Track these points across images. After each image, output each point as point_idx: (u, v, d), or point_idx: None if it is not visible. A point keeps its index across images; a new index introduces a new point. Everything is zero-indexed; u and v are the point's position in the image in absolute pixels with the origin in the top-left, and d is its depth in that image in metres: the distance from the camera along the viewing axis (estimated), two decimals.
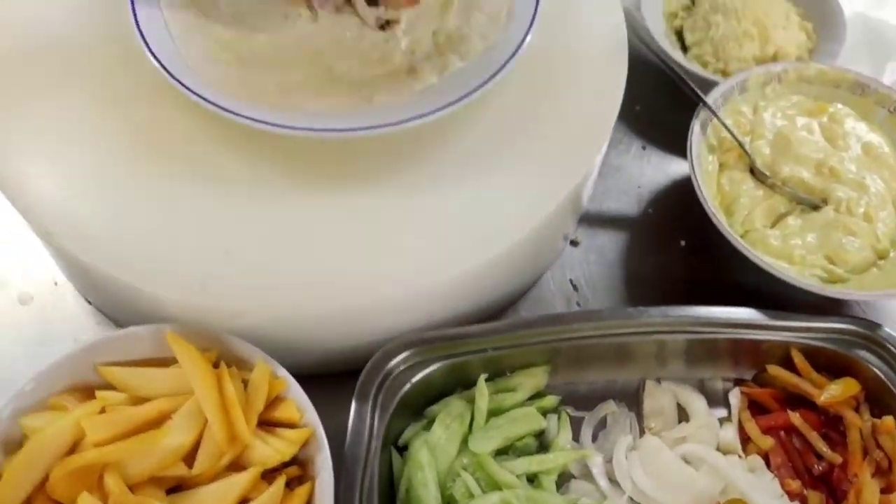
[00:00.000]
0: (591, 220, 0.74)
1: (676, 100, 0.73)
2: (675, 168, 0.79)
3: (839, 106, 0.74)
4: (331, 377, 0.59)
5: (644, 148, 0.80)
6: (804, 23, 0.84)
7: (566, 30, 0.70)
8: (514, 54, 0.62)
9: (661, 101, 0.80)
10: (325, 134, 0.58)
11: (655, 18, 0.83)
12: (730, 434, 0.63)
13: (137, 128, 0.63)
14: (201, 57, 0.62)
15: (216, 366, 0.56)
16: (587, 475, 0.61)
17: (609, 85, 0.69)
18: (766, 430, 0.62)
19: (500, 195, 0.61)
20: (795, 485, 0.59)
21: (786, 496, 0.59)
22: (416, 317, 0.60)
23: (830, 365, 0.63)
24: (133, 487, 0.51)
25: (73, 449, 0.53)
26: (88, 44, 0.67)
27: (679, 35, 0.84)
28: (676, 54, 0.80)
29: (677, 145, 0.77)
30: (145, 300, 0.58)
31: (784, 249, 0.67)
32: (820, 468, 0.61)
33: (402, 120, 0.58)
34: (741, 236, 0.67)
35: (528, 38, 0.64)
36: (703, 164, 0.70)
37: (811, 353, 0.64)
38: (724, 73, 0.79)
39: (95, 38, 0.67)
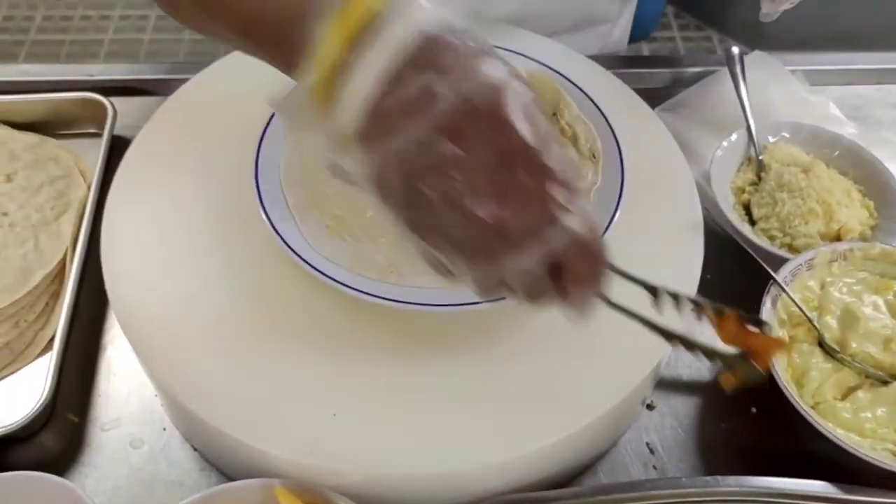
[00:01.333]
0: (667, 384, 0.78)
1: (745, 271, 0.78)
2: None
3: None
4: None
5: None
6: (866, 200, 0.89)
7: (645, 208, 0.76)
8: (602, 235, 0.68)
9: (731, 269, 0.84)
10: (427, 308, 0.64)
11: (724, 192, 0.88)
12: None
13: (257, 293, 0.70)
14: (316, 232, 0.69)
15: None
16: None
17: (687, 260, 0.74)
18: None
19: (589, 366, 0.66)
20: None
21: None
22: (504, 482, 0.64)
23: None
24: None
25: None
26: (216, 212, 0.75)
27: (746, 209, 0.89)
28: (745, 228, 0.85)
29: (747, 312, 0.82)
30: (252, 454, 0.63)
31: (855, 422, 0.70)
32: None
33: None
34: (812, 408, 0.70)
35: (616, 219, 0.70)
36: None
37: None
38: (791, 248, 0.84)
39: (222, 206, 0.75)
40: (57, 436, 0.73)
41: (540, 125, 0.40)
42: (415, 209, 0.40)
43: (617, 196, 0.72)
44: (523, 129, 0.39)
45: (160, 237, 0.74)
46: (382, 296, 0.63)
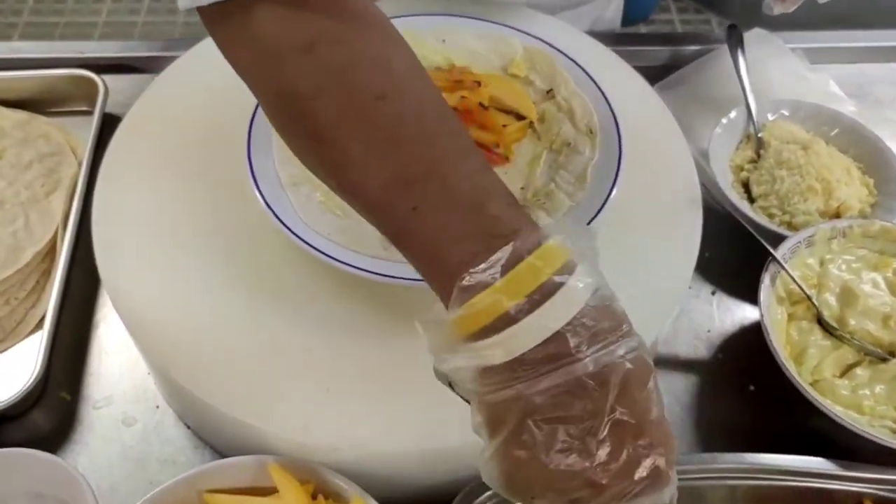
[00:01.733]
0: (664, 362, 0.77)
1: (744, 247, 0.77)
2: (743, 314, 0.82)
3: None
4: None
5: (713, 293, 0.84)
6: (865, 178, 0.88)
7: (643, 185, 0.75)
8: (598, 211, 0.68)
9: (729, 248, 0.84)
10: (417, 283, 0.63)
11: (723, 170, 0.88)
12: None
13: (251, 270, 0.69)
14: (309, 206, 0.68)
15: (314, 497, 0.60)
16: None
17: (685, 238, 0.73)
18: None
19: None
20: None
21: None
22: None
23: None
24: None
25: None
26: (208, 188, 0.74)
27: (746, 186, 0.88)
28: (744, 205, 0.84)
29: (745, 291, 0.82)
30: (246, 431, 0.62)
31: (854, 400, 0.69)
32: None
33: None
34: (810, 385, 0.70)
35: (613, 194, 0.69)
36: (773, 315, 0.73)
37: None
38: (790, 225, 0.83)
39: (215, 183, 0.74)
40: (49, 414, 0.72)
41: (656, 404, 0.43)
42: (521, 447, 0.41)
43: (614, 172, 0.71)
44: (641, 405, 0.42)
45: (152, 214, 0.73)
46: (376, 271, 0.63)
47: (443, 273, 0.42)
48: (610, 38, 0.98)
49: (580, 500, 0.42)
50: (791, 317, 0.75)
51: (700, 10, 2.86)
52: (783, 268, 0.74)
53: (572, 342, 0.40)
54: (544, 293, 0.39)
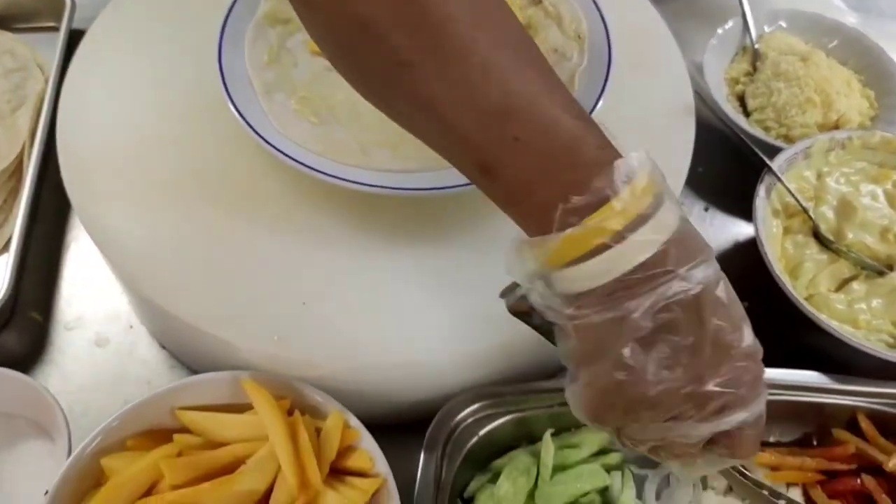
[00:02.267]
0: None
1: (738, 163, 0.75)
2: (737, 230, 0.80)
3: None
4: (399, 427, 0.60)
5: (706, 209, 0.81)
6: (866, 90, 0.85)
7: (634, 95, 0.72)
8: None
9: (722, 163, 0.81)
10: (399, 192, 0.60)
11: (718, 83, 0.84)
12: (796, 498, 0.62)
13: (220, 183, 0.66)
14: (283, 114, 0.65)
15: (290, 413, 0.58)
16: None
17: (677, 150, 0.70)
18: (833, 495, 0.62)
19: None
20: None
21: None
22: (484, 373, 0.61)
23: None
24: None
25: (150, 490, 0.55)
26: (179, 97, 0.70)
27: (741, 100, 0.85)
28: (739, 119, 0.81)
29: (739, 207, 0.79)
30: (221, 348, 0.60)
31: (849, 314, 0.67)
32: None
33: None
34: (806, 299, 0.67)
35: (600, 104, 0.66)
36: (768, 228, 0.70)
37: (878, 419, 0.63)
38: (787, 139, 0.80)
39: (185, 92, 0.70)
40: (19, 335, 0.70)
41: (743, 317, 0.44)
42: (623, 369, 0.42)
43: (603, 78, 0.67)
44: (730, 321, 0.43)
45: (119, 127, 0.70)
46: (351, 179, 0.60)
47: (544, 202, 0.42)
48: None
49: (681, 416, 0.43)
50: (787, 230, 0.73)
51: None
52: (779, 179, 0.72)
53: (670, 261, 0.41)
54: (643, 218, 0.40)
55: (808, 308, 0.65)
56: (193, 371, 0.68)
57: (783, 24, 0.90)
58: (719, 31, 0.87)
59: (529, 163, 0.43)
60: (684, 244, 0.42)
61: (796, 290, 0.67)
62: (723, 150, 0.78)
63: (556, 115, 0.43)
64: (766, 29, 0.89)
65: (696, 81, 0.80)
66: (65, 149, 0.68)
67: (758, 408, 0.44)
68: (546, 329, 0.46)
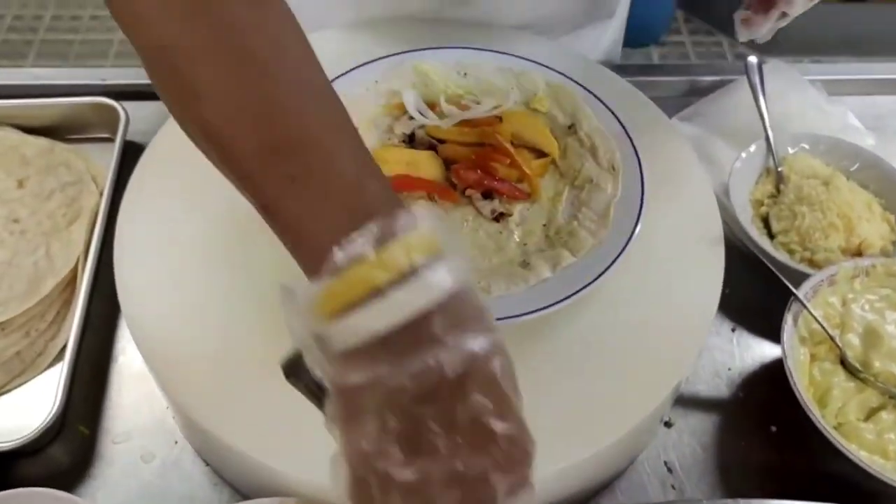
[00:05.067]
0: (685, 401, 0.77)
1: (764, 284, 0.77)
2: (764, 351, 0.81)
3: None
4: None
5: (734, 330, 0.83)
6: (886, 214, 0.88)
7: (664, 223, 0.75)
8: (622, 251, 0.67)
9: (749, 284, 0.83)
10: None
11: (743, 205, 0.87)
12: None
13: (271, 305, 0.68)
14: None
15: None
16: None
17: (708, 276, 0.73)
18: None
19: (608, 387, 0.65)
20: None
21: None
22: None
23: None
24: None
25: None
26: (230, 220, 0.74)
27: (765, 221, 0.88)
28: (764, 241, 0.83)
29: (765, 328, 0.81)
30: (267, 473, 0.62)
31: (879, 444, 0.69)
32: None
33: (524, 312, 0.62)
34: (834, 428, 0.69)
35: (636, 233, 0.69)
36: (796, 357, 0.72)
37: None
38: (811, 263, 0.82)
39: (237, 215, 0.74)
40: (67, 448, 0.72)
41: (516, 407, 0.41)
42: (375, 442, 0.39)
43: (637, 209, 0.71)
44: (503, 402, 0.40)
45: (174, 247, 0.73)
46: None
47: (316, 246, 0.40)
48: (626, 69, 0.99)
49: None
50: (814, 357, 0.75)
51: (711, 31, 2.86)
52: (806, 308, 0.74)
53: (438, 326, 0.38)
54: (415, 273, 0.38)
55: (838, 438, 0.67)
56: (236, 489, 0.69)
57: (805, 146, 0.93)
58: (743, 154, 0.90)
59: (304, 204, 0.42)
60: (458, 311, 0.39)
61: (825, 419, 0.69)
62: (749, 270, 0.80)
63: (337, 157, 0.42)
64: (790, 150, 0.92)
65: (722, 203, 0.84)
66: (121, 269, 0.71)
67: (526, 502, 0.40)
68: (318, 395, 0.44)
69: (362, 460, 0.40)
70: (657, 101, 0.90)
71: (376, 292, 0.38)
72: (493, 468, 0.39)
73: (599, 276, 0.66)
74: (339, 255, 0.38)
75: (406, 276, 0.38)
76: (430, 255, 0.39)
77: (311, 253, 0.42)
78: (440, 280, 0.39)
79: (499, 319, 0.62)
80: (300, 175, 0.42)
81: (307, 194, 0.42)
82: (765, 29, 0.75)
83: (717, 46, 2.81)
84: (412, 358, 0.38)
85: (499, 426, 0.39)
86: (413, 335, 0.38)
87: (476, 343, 0.39)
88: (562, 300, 0.64)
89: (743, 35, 0.76)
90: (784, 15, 0.74)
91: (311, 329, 0.40)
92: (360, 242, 0.39)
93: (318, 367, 0.42)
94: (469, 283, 0.41)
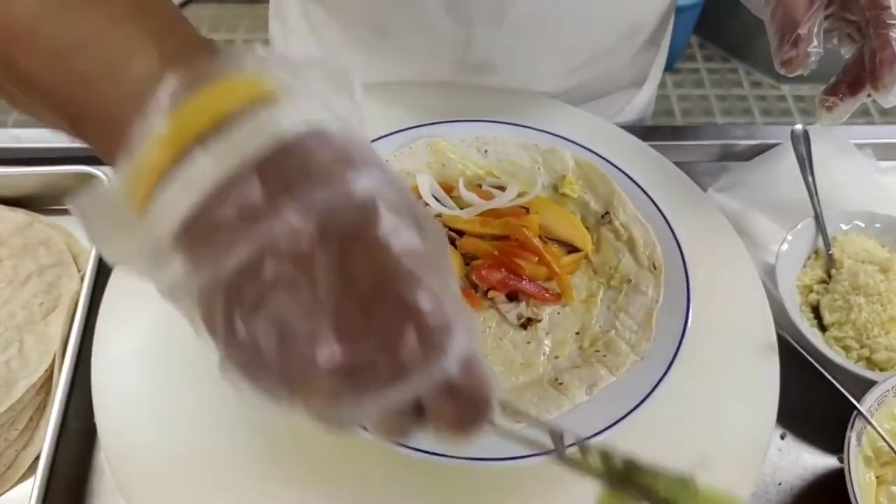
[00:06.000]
0: None
1: (815, 383, 0.69)
2: (817, 462, 0.73)
3: None
4: None
5: (783, 437, 0.75)
6: None
7: (711, 326, 0.67)
8: (667, 370, 0.59)
9: (798, 383, 0.75)
10: (443, 460, 0.54)
11: (790, 291, 0.79)
12: None
13: (269, 434, 0.61)
14: None
15: None
16: None
17: (763, 391, 0.65)
18: None
19: None
20: None
21: None
22: None
23: None
24: None
25: None
26: None
27: (815, 310, 0.80)
28: (815, 336, 0.75)
29: (817, 436, 0.73)
30: None
31: None
32: None
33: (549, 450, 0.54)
34: None
35: (680, 352, 0.61)
36: (861, 481, 0.64)
37: None
38: (870, 362, 0.74)
39: None
40: None
41: (411, 250, 0.33)
42: (238, 348, 0.33)
43: (683, 320, 0.63)
44: (382, 256, 0.32)
45: (159, 350, 0.65)
46: (430, 450, 0.54)
47: (124, 140, 0.34)
48: (657, 133, 0.91)
49: (340, 398, 0.32)
50: (880, 480, 0.66)
51: (727, 58, 2.80)
52: (870, 423, 0.66)
53: (267, 188, 0.31)
54: (223, 131, 0.32)
55: None
56: None
57: (860, 223, 0.84)
58: (790, 236, 0.81)
59: (105, 97, 0.36)
60: (307, 156, 0.32)
61: None
62: (799, 372, 0.72)
63: (123, 38, 0.36)
64: (842, 228, 0.84)
65: (768, 290, 0.76)
66: (98, 369, 0.65)
67: (434, 374, 0.33)
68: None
69: (242, 366, 0.33)
70: (688, 166, 0.82)
71: (181, 160, 0.32)
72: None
73: (641, 402, 0.57)
74: (135, 136, 0.33)
75: (212, 138, 0.32)
76: (253, 100, 0.32)
77: (114, 152, 0.35)
78: (261, 129, 0.32)
79: (527, 457, 0.54)
80: (92, 69, 0.36)
81: (104, 86, 0.36)
82: (849, 114, 0.67)
83: (732, 73, 2.74)
84: (238, 244, 0.31)
85: (384, 299, 0.32)
86: (241, 209, 0.32)
87: (331, 198, 0.32)
88: (600, 431, 0.56)
89: (826, 121, 0.68)
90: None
91: (128, 229, 0.34)
92: (152, 115, 0.32)
93: (172, 288, 0.34)
94: (328, 122, 0.34)
